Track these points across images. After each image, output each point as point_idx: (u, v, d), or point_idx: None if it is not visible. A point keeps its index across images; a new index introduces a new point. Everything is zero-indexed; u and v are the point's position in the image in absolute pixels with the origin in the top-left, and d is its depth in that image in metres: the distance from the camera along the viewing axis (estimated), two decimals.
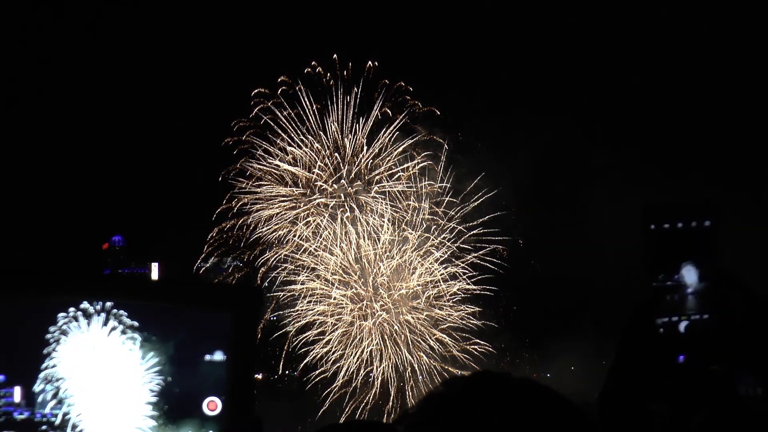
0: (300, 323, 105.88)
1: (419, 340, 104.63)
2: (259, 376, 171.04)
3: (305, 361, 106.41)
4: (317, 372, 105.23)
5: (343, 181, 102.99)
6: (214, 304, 10.29)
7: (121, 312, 10.02)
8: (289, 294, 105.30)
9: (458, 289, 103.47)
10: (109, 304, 9.94)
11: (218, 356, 10.22)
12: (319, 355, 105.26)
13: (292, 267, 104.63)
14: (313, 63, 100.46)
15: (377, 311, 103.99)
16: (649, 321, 11.91)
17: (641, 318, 11.92)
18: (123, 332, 10.13)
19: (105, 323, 10.10)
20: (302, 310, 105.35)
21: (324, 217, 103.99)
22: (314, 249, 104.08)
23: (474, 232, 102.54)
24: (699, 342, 11.80)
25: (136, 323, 10.10)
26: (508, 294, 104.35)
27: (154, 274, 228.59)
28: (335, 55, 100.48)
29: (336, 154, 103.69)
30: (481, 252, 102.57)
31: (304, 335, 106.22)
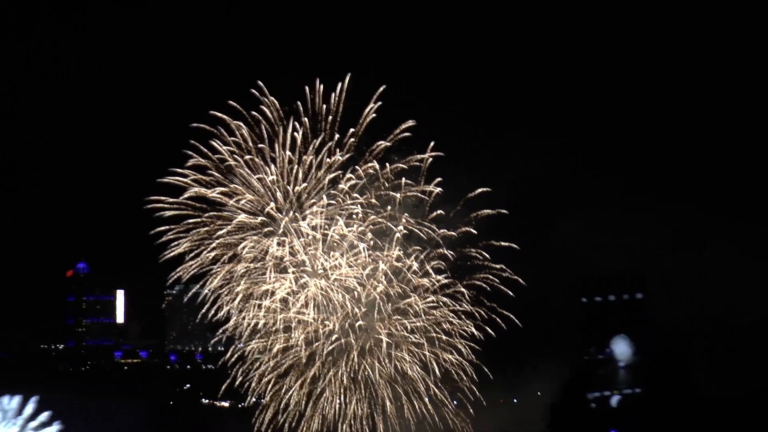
0: (269, 355, 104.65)
1: (392, 383, 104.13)
2: (227, 404, 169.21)
3: (276, 396, 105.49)
4: (288, 412, 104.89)
5: (309, 216, 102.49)
6: (129, 392, 9.42)
7: (34, 408, 9.16)
8: (254, 325, 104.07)
9: (440, 318, 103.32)
10: (18, 399, 9.10)
11: None
12: (290, 396, 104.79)
13: (263, 300, 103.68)
14: (297, 102, 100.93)
15: (353, 349, 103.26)
16: (581, 396, 11.62)
17: (572, 393, 11.61)
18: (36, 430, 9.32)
19: (15, 422, 9.25)
20: (274, 344, 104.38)
21: (300, 250, 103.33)
22: (288, 284, 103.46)
23: (453, 260, 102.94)
24: (631, 416, 11.66)
25: (51, 421, 9.26)
26: (482, 323, 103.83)
27: (120, 301, 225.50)
28: (320, 85, 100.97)
29: (305, 183, 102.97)
30: (464, 282, 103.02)
31: (272, 369, 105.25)
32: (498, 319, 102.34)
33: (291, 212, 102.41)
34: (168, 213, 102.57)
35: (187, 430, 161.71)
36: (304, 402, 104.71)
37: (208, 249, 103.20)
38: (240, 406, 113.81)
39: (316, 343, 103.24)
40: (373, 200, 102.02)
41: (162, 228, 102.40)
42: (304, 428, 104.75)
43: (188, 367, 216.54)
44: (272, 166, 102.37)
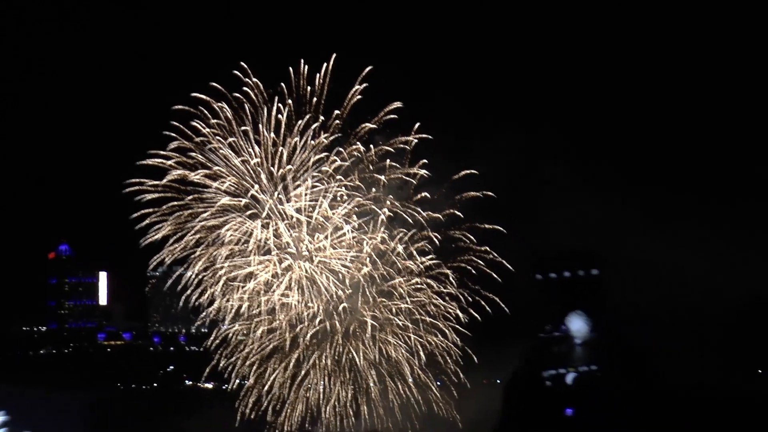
0: (253, 337, 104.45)
1: (376, 363, 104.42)
2: (210, 386, 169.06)
3: (259, 379, 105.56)
4: (271, 396, 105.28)
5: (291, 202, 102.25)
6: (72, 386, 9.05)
7: None
8: (237, 308, 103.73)
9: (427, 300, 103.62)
10: None
11: None
12: (275, 379, 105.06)
13: (247, 283, 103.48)
14: (282, 84, 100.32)
15: (338, 331, 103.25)
16: (536, 374, 11.57)
17: (528, 371, 11.55)
18: None
19: None
20: (260, 323, 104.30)
21: (283, 233, 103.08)
22: (274, 263, 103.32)
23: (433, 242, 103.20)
24: (587, 394, 11.51)
25: None
26: (466, 306, 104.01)
27: (102, 283, 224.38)
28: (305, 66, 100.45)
29: (290, 165, 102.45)
30: (451, 264, 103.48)
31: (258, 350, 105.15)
32: (482, 301, 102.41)
33: (275, 194, 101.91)
34: (150, 196, 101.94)
35: (167, 413, 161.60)
36: (287, 385, 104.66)
37: (192, 232, 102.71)
38: (224, 387, 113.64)
39: (300, 326, 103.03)
40: (358, 182, 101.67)
41: (145, 211, 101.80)
42: (288, 411, 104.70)
43: (172, 349, 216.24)
44: (256, 148, 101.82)
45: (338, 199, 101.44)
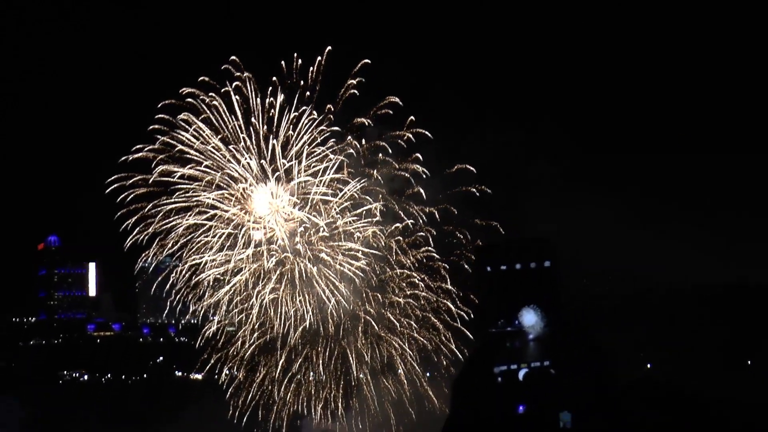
0: (246, 328, 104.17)
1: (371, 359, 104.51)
2: (199, 377, 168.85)
3: (251, 373, 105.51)
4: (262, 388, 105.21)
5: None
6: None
7: None
8: (228, 302, 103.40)
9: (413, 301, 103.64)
10: None
11: None
12: (267, 370, 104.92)
13: (239, 277, 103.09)
14: (274, 78, 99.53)
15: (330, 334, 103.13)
16: (487, 370, 11.48)
17: (478, 366, 11.43)
18: None
19: None
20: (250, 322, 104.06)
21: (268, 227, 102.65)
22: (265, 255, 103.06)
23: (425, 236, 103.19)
24: (538, 390, 11.43)
25: None
26: (458, 300, 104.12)
27: (92, 274, 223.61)
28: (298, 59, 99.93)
29: (283, 159, 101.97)
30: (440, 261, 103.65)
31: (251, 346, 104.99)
32: (471, 294, 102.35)
33: (267, 188, 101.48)
34: (141, 190, 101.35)
35: (159, 403, 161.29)
36: (278, 379, 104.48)
37: (182, 225, 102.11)
38: (215, 378, 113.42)
39: (292, 321, 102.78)
40: (352, 177, 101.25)
41: (134, 206, 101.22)
42: (279, 405, 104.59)
43: (161, 340, 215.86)
44: (248, 141, 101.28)
45: (331, 192, 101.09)
